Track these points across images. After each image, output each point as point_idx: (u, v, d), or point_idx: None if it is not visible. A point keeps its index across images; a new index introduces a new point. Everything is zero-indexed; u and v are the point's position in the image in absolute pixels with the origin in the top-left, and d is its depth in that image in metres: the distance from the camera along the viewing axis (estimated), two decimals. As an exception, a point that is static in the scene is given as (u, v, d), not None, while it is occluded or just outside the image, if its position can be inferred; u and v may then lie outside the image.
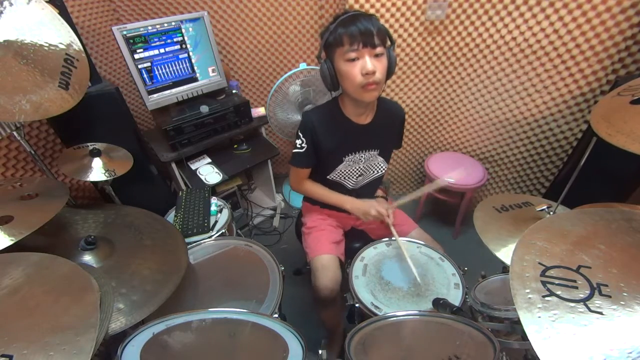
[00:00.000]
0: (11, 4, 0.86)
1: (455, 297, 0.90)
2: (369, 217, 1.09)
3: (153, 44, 1.48)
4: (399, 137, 1.22)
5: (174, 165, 1.62)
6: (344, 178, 1.14)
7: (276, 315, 0.87)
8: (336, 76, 0.94)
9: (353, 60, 0.87)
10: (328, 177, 1.13)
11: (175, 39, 1.53)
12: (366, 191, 1.23)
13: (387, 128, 1.12)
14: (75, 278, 0.68)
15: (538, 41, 1.41)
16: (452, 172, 1.73)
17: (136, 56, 1.45)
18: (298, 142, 1.06)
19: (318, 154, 1.08)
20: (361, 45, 0.85)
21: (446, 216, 2.04)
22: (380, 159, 1.15)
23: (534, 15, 1.37)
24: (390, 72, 0.93)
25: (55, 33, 0.93)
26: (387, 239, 1.12)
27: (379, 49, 0.87)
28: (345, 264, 1.09)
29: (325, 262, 1.09)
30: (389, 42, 0.91)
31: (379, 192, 1.27)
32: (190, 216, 1.26)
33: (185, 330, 0.69)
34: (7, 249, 0.67)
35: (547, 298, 0.49)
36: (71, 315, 0.59)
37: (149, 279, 0.82)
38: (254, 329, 0.71)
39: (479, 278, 0.97)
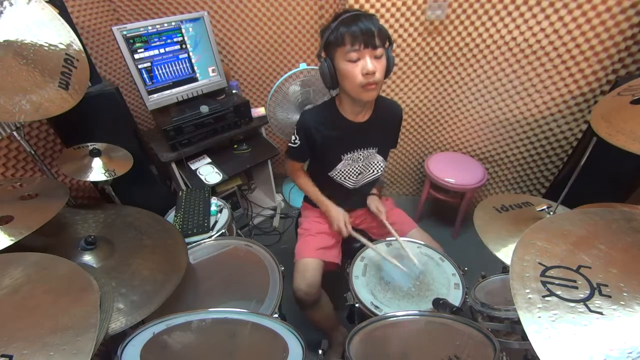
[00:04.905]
0: (11, 4, 0.86)
1: (455, 297, 0.91)
2: (333, 227, 1.16)
3: (153, 44, 1.48)
4: (395, 136, 1.22)
5: (174, 165, 1.62)
6: (344, 178, 1.15)
7: (276, 315, 0.87)
8: (336, 75, 0.94)
9: (354, 60, 0.88)
10: (329, 174, 1.14)
11: (175, 39, 1.53)
12: (366, 190, 1.23)
13: (384, 126, 1.12)
14: (75, 278, 0.68)
15: (538, 41, 1.41)
16: (451, 172, 1.73)
17: (136, 56, 1.45)
18: (293, 137, 1.10)
19: (315, 152, 1.10)
20: (362, 46, 0.85)
21: (446, 216, 2.03)
22: (379, 157, 1.15)
23: (534, 15, 1.37)
24: (388, 71, 0.94)
25: (55, 33, 0.93)
26: (387, 239, 1.12)
27: (379, 50, 0.87)
28: (345, 264, 1.09)
29: (304, 265, 1.12)
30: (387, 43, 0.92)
31: (373, 190, 1.28)
32: (190, 216, 1.26)
33: (185, 330, 0.68)
34: (7, 249, 0.67)
35: (547, 298, 0.49)
36: (71, 315, 0.59)
37: (149, 279, 0.82)
38: (254, 329, 0.71)
39: (479, 278, 0.97)
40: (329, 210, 1.16)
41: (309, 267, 1.11)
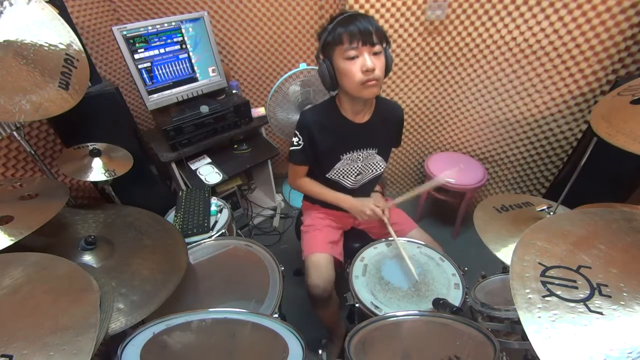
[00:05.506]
0: (11, 4, 0.86)
1: (455, 297, 0.90)
2: (364, 216, 1.10)
3: (153, 44, 1.48)
4: (397, 136, 1.22)
5: (174, 165, 1.62)
6: (343, 177, 1.14)
7: (276, 315, 0.87)
8: (335, 75, 0.94)
9: (352, 58, 0.88)
10: (327, 175, 1.14)
11: (175, 39, 1.53)
12: (365, 190, 1.23)
13: (384, 127, 1.12)
14: (75, 278, 0.68)
15: (538, 41, 1.41)
16: (448, 170, 1.72)
17: (136, 56, 1.45)
18: (295, 139, 1.08)
19: (315, 152, 1.09)
20: (360, 44, 0.86)
21: (446, 216, 2.03)
22: (379, 157, 1.15)
23: (534, 15, 1.37)
24: (387, 71, 0.94)
25: (55, 33, 0.93)
26: (387, 238, 1.12)
27: (377, 47, 0.88)
28: (345, 264, 1.09)
29: (317, 260, 1.10)
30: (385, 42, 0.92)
31: (376, 188, 1.28)
32: (190, 216, 1.26)
33: (185, 330, 0.68)
34: (7, 249, 0.67)
35: (547, 298, 0.49)
36: (71, 315, 0.59)
37: (149, 279, 0.82)
38: (253, 329, 0.71)
39: (479, 278, 0.97)
40: (354, 204, 1.12)
41: (322, 262, 1.09)
